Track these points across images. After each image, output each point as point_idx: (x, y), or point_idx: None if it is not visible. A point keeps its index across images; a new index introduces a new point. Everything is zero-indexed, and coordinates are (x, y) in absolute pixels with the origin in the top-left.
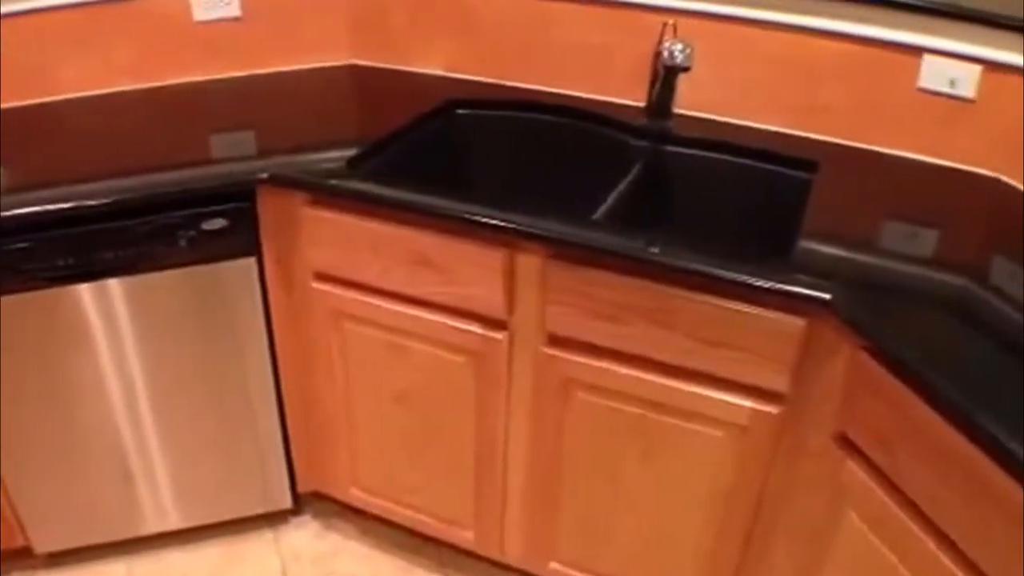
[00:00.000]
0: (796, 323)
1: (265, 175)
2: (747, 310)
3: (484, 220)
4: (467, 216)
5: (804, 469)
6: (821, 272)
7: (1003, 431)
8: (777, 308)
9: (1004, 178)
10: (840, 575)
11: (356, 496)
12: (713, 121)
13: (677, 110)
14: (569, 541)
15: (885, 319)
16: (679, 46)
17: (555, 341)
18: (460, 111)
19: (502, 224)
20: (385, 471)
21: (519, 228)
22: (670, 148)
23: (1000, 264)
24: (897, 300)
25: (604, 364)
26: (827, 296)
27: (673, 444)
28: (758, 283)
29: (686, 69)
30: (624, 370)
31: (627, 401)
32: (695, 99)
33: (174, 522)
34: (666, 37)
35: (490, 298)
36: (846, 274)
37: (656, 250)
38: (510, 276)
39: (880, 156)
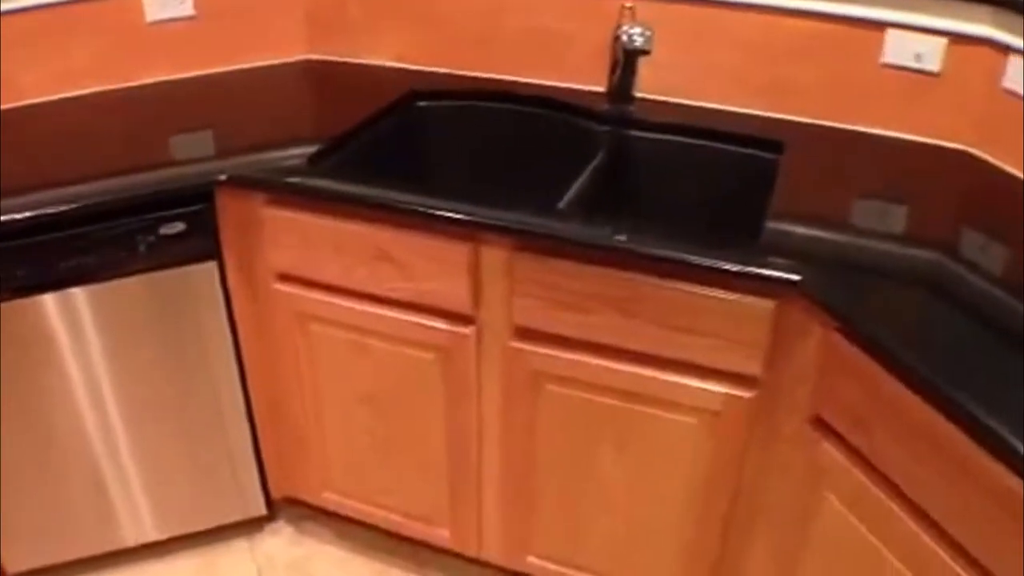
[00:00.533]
0: (766, 306)
1: (223, 176)
2: (716, 295)
3: (446, 214)
4: (428, 210)
5: (780, 453)
6: (790, 253)
7: (980, 408)
8: (747, 292)
9: (973, 151)
10: (821, 559)
11: (329, 499)
12: (676, 104)
13: (639, 94)
14: (547, 535)
15: (857, 298)
16: (638, 30)
17: (523, 334)
18: (421, 103)
19: (464, 217)
20: (357, 472)
21: (482, 221)
22: (633, 133)
23: (972, 238)
24: (869, 278)
25: (574, 356)
26: (797, 277)
27: (647, 433)
28: (726, 267)
29: (646, 52)
30: (595, 361)
31: (599, 392)
32: (657, 83)
33: (148, 534)
34: (625, 21)
35: (455, 293)
36: (816, 254)
37: (623, 238)
38: (475, 270)
39: (848, 133)
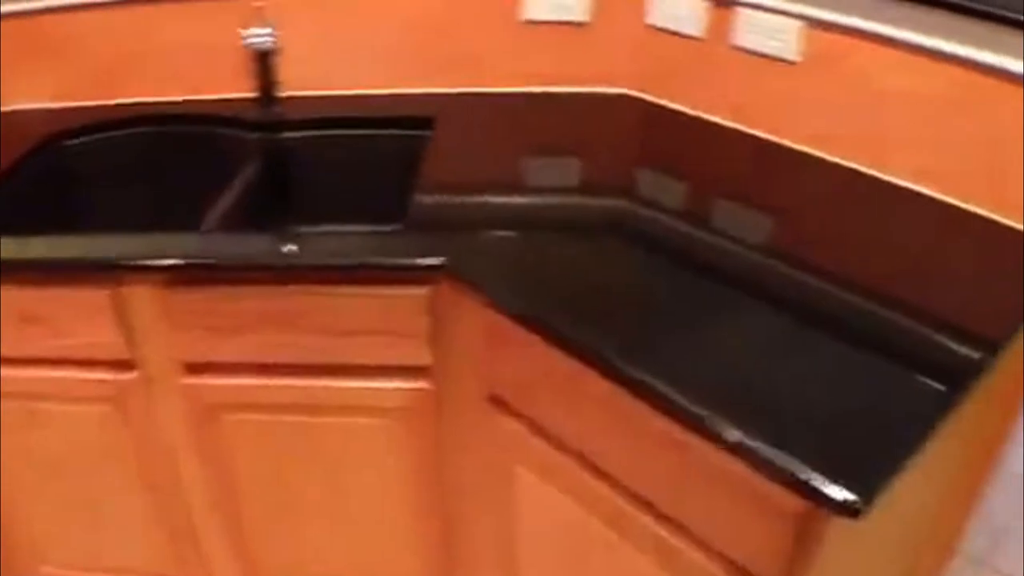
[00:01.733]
0: (420, 292)
1: None
2: (369, 292)
3: (70, 260)
4: (54, 261)
5: (469, 436)
6: (438, 231)
7: (622, 358)
8: (397, 283)
9: (631, 92)
10: (535, 531)
11: (50, 574)
12: (328, 97)
13: (292, 93)
14: (277, 562)
15: (503, 266)
16: (259, 31)
17: (190, 368)
18: (68, 142)
19: (93, 260)
20: (69, 541)
21: (114, 261)
22: (285, 136)
23: (632, 181)
24: (522, 242)
25: (246, 380)
26: (438, 260)
27: (339, 443)
28: (368, 262)
29: (276, 52)
30: (270, 381)
31: (282, 411)
32: (306, 78)
33: None
34: (257, 22)
35: (108, 340)
36: (467, 227)
37: (292, 248)
38: (122, 312)
39: (502, 97)
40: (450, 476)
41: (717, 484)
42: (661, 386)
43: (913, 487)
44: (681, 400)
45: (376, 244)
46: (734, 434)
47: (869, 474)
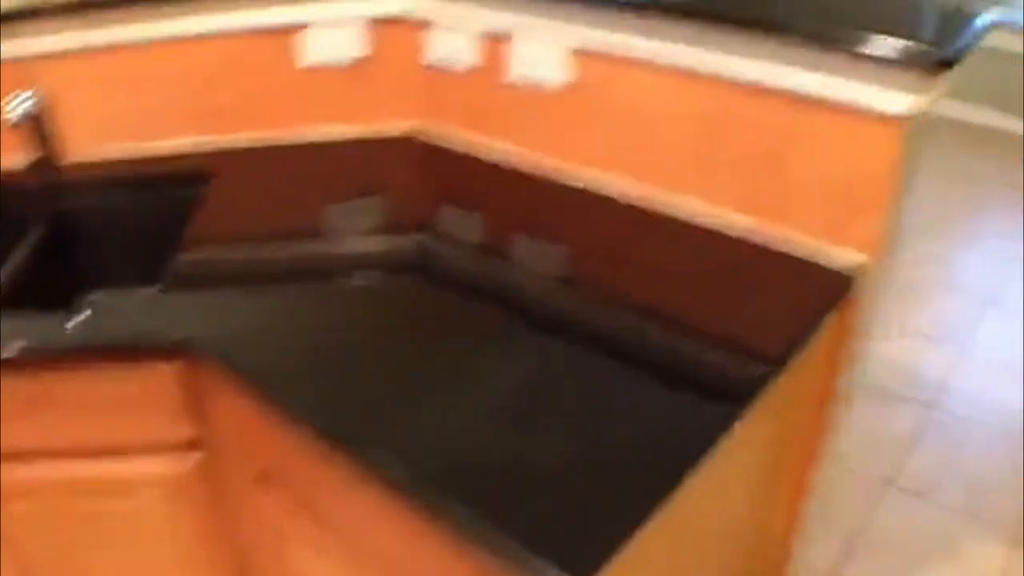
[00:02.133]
0: (170, 368)
1: None
2: (120, 368)
3: None
4: None
5: (244, 510)
6: (190, 297)
7: (358, 439)
8: (144, 358)
9: (414, 131)
10: None
11: None
12: (109, 160)
13: (73, 159)
14: None
15: (249, 336)
16: (22, 95)
17: None
18: None
19: None
20: None
21: None
22: (61, 203)
23: (415, 221)
24: (280, 303)
25: (23, 468)
26: (180, 336)
27: (123, 521)
28: (104, 343)
29: (45, 116)
30: (36, 469)
31: (62, 496)
32: (87, 141)
33: None
34: (25, 88)
35: None
36: (222, 289)
37: (63, 327)
38: None
39: (284, 147)
40: (237, 547)
41: (453, 564)
42: (390, 467)
43: (704, 511)
44: (407, 481)
45: (127, 316)
46: (450, 508)
47: (591, 548)
